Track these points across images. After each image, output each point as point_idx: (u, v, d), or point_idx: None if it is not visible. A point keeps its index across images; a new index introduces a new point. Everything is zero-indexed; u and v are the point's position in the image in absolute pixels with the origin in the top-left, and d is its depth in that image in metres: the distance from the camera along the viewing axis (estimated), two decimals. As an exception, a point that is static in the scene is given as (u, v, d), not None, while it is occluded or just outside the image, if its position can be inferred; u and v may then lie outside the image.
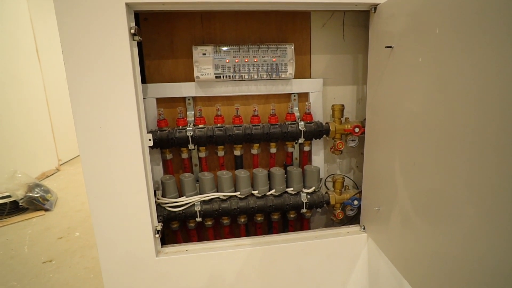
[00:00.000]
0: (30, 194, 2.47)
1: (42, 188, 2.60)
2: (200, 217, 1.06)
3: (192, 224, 1.12)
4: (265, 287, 1.05)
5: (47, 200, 2.55)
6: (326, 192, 1.17)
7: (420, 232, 0.76)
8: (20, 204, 2.44)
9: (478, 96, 0.54)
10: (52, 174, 3.52)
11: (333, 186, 1.17)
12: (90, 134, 0.85)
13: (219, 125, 1.05)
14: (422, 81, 0.71)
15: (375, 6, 0.91)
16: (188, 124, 1.05)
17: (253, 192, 1.09)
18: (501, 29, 0.49)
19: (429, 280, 0.72)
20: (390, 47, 0.84)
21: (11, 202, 2.43)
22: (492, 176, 0.52)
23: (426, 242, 0.73)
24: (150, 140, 0.94)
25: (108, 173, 0.88)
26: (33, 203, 2.47)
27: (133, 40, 0.85)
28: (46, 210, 2.52)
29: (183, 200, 1.05)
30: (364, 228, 1.09)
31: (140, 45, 1.04)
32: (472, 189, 0.57)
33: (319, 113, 1.14)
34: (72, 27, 0.78)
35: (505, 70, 0.48)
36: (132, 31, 0.83)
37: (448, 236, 0.65)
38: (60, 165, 3.74)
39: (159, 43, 1.06)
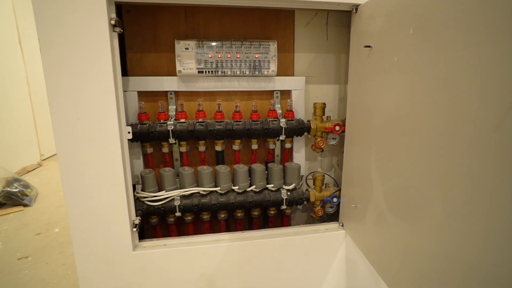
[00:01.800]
0: (8, 189, 2.40)
1: (21, 183, 2.54)
2: (179, 212, 1.06)
3: (172, 219, 1.12)
4: (244, 282, 1.06)
5: (26, 196, 2.48)
6: (307, 189, 1.18)
7: (392, 228, 0.77)
8: (-3, 199, 2.38)
9: (448, 94, 0.56)
10: (33, 169, 3.44)
11: (314, 184, 1.18)
12: (67, 125, 0.83)
13: (200, 120, 1.05)
14: (397, 80, 0.73)
15: (356, 7, 0.93)
16: (170, 119, 1.04)
17: (233, 187, 1.10)
18: (471, 28, 0.51)
19: (402, 276, 0.74)
20: (369, 46, 0.85)
21: (-13, 196, 2.36)
22: (461, 172, 0.53)
23: (398, 238, 0.75)
24: (129, 133, 0.93)
25: (85, 165, 0.87)
26: (11, 198, 2.40)
27: (114, 31, 0.84)
28: (25, 205, 2.46)
29: (162, 194, 1.04)
30: (342, 225, 1.11)
31: (122, 38, 1.03)
32: (440, 185, 0.59)
33: (301, 111, 1.15)
34: (49, 15, 0.77)
35: (476, 69, 0.50)
36: (113, 22, 0.82)
37: (419, 232, 0.66)
38: (43, 160, 3.65)
39: (142, 36, 1.05)
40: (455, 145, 0.54)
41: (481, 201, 0.49)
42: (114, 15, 0.83)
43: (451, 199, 0.56)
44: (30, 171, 3.37)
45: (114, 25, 0.83)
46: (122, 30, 0.88)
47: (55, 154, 3.85)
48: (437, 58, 0.59)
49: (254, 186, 1.10)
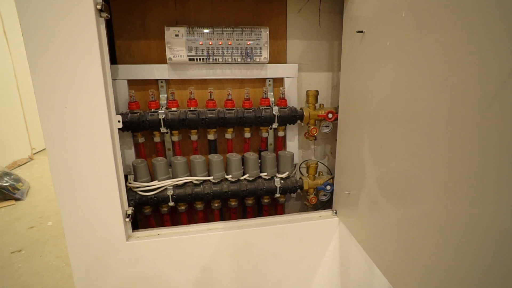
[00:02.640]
0: (-1, 183, 2.37)
1: (12, 177, 2.50)
2: (172, 201, 1.05)
3: (165, 209, 1.11)
4: (239, 270, 1.06)
5: (18, 189, 2.45)
6: (300, 178, 1.18)
7: (385, 214, 0.78)
8: (-12, 193, 2.34)
9: (441, 79, 0.56)
10: (24, 163, 3.39)
11: (307, 172, 1.18)
12: (54, 114, 0.81)
13: (192, 108, 1.04)
14: (390, 64, 0.72)
15: (348, -9, 0.91)
16: (161, 107, 1.03)
17: (226, 176, 1.09)
18: (465, 9, 0.50)
19: (395, 261, 0.75)
20: (362, 31, 0.84)
21: (-23, 191, 2.32)
22: (454, 156, 0.53)
23: (392, 223, 0.75)
24: (119, 121, 0.92)
25: (75, 155, 0.85)
26: (2, 192, 2.37)
27: (100, 16, 0.82)
28: (17, 199, 2.43)
29: (155, 184, 1.03)
30: (336, 213, 1.11)
31: (110, 25, 1.00)
32: (433, 170, 0.59)
33: (294, 98, 1.14)
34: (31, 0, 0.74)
35: (470, 51, 0.49)
36: (99, 6, 0.80)
37: (412, 217, 0.67)
38: (34, 154, 3.60)
39: (131, 23, 1.02)
40: (448, 129, 0.54)
41: (475, 185, 0.49)
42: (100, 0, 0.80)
43: (444, 182, 0.56)
44: (21, 165, 3.32)
45: (101, 10, 0.80)
46: (109, 16, 0.85)
47: (47, 147, 3.81)
48: (430, 41, 0.58)
49: (247, 175, 1.10)
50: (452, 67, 0.52)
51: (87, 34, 0.78)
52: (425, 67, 0.60)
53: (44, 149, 3.77)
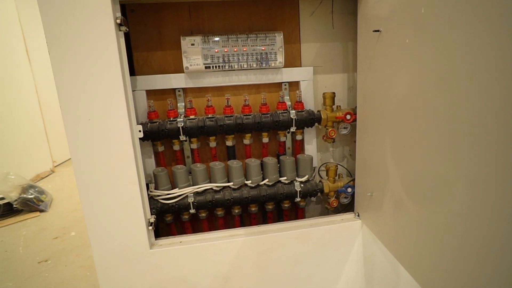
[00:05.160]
0: (24, 196, 2.45)
1: (36, 189, 2.58)
2: (193, 208, 1.06)
3: (186, 216, 1.12)
4: (260, 277, 1.05)
5: (42, 201, 2.53)
6: (320, 181, 1.17)
7: (412, 214, 0.76)
8: (14, 206, 2.42)
9: (466, 74, 0.54)
10: (46, 176, 3.49)
11: (327, 175, 1.17)
12: (79, 126, 0.84)
13: (210, 115, 1.05)
14: (409, 62, 0.71)
15: (362, -9, 0.91)
16: (179, 116, 1.04)
17: (246, 182, 1.09)
18: (487, 4, 0.49)
19: (424, 263, 0.73)
20: (378, 31, 0.83)
21: (4, 204, 2.40)
22: (483, 154, 0.52)
23: (418, 224, 0.73)
24: (140, 131, 0.94)
25: (99, 166, 0.87)
26: (28, 204, 2.45)
27: (120, 30, 0.84)
28: (41, 211, 2.50)
29: (175, 192, 1.04)
30: (358, 215, 1.09)
31: (128, 38, 1.03)
32: (462, 168, 0.57)
33: (311, 101, 1.13)
34: (56, 18, 0.77)
35: (494, 45, 0.48)
36: (118, 21, 0.82)
37: (440, 217, 0.65)
38: (55, 166, 3.71)
39: (147, 35, 1.05)
40: (473, 127, 0.53)
41: (505, 184, 0.47)
42: (119, 14, 0.83)
43: (472, 181, 0.54)
44: (43, 177, 3.43)
45: (120, 24, 0.83)
46: (127, 29, 0.88)
47: (67, 160, 3.93)
48: (451, 36, 0.57)
49: (267, 180, 1.09)
50: (479, 62, 0.51)
51: (108, 48, 0.81)
52: (447, 64, 0.58)
53: (65, 161, 3.89)
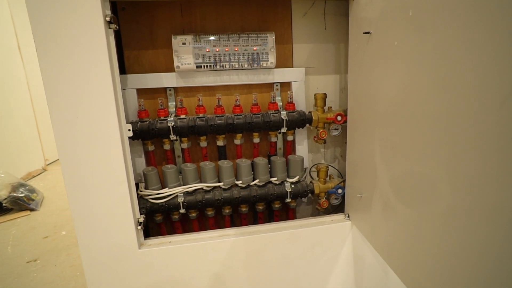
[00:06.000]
0: (14, 194, 2.42)
1: (27, 187, 2.55)
2: (183, 208, 1.05)
3: (176, 216, 1.11)
4: (251, 277, 1.05)
5: (33, 200, 2.50)
6: (311, 182, 1.17)
7: (400, 216, 0.76)
8: (4, 204, 2.39)
9: (454, 75, 0.55)
10: (38, 174, 3.46)
11: (318, 176, 1.17)
12: (67, 125, 0.83)
13: (200, 115, 1.04)
14: (398, 64, 0.71)
15: (354, -7, 0.91)
16: (170, 115, 1.04)
17: (236, 182, 1.09)
18: (473, 5, 0.49)
19: (411, 263, 0.73)
20: (368, 32, 0.84)
21: (-6, 202, 2.37)
22: (470, 155, 0.52)
23: (406, 225, 0.74)
24: (129, 130, 0.93)
25: (87, 164, 0.86)
26: (18, 203, 2.42)
27: (109, 28, 0.83)
28: (32, 210, 2.47)
29: (165, 191, 1.03)
30: (348, 216, 1.10)
31: (118, 36, 1.02)
32: (449, 169, 0.57)
33: (302, 102, 1.13)
34: (44, 14, 0.76)
35: (480, 48, 0.48)
36: (108, 18, 0.82)
37: (427, 218, 0.65)
38: (47, 165, 3.67)
39: (138, 33, 1.04)
40: (460, 128, 0.53)
41: (490, 184, 0.48)
42: (109, 12, 0.82)
43: (459, 182, 0.55)
44: (35, 176, 3.39)
45: (110, 22, 0.82)
46: (117, 27, 0.87)
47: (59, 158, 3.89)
48: (439, 39, 0.57)
49: (257, 180, 1.09)
50: (466, 65, 0.51)
51: (97, 46, 0.80)
52: (434, 66, 0.59)
53: (57, 160, 3.85)
